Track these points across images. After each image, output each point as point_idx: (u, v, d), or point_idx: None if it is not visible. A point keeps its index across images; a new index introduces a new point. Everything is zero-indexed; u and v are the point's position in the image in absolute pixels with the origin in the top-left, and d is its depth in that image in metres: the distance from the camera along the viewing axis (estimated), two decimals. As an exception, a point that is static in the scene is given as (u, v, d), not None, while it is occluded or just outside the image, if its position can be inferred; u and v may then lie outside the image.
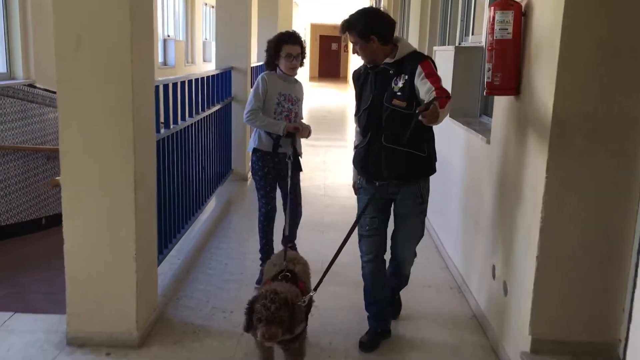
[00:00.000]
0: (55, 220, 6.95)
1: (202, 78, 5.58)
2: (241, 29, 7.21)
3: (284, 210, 3.94)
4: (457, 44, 5.44)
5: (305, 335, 2.76)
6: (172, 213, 4.29)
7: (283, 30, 4.38)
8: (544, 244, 2.74)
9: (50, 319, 3.40)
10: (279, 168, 3.98)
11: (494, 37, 3.02)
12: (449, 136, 4.53)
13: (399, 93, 3.01)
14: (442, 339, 3.40)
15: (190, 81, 5.03)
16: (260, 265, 4.05)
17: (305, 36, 22.78)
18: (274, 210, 4.09)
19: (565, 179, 2.69)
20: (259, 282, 3.92)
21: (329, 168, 8.24)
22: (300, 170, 4.11)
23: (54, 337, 3.20)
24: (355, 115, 3.29)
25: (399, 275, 3.44)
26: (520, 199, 3.00)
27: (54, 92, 7.30)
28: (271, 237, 4.10)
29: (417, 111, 2.68)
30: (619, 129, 2.64)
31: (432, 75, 2.93)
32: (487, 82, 3.13)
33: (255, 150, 4.00)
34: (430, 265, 4.49)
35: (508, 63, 3.04)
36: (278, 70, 3.99)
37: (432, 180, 3.26)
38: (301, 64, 4.02)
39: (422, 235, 3.33)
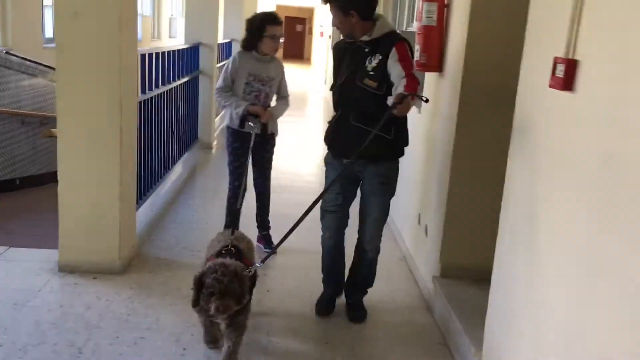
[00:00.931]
0: (29, 182, 7.43)
1: (174, 51, 6.12)
2: (211, 6, 7.74)
3: (254, 187, 4.26)
4: (403, 29, 6.10)
5: (249, 308, 2.76)
6: (148, 168, 4.86)
7: (248, 9, 4.75)
8: (452, 191, 3.44)
9: (42, 252, 3.95)
10: (248, 146, 3.93)
11: (422, 24, 3.69)
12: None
13: (371, 72, 3.02)
14: (379, 275, 4.07)
15: (163, 53, 5.58)
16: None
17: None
18: (240, 187, 4.00)
19: (470, 141, 3.38)
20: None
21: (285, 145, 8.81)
22: (270, 148, 4.20)
23: (47, 265, 3.76)
24: (330, 89, 3.33)
25: (363, 263, 3.40)
26: (438, 158, 3.69)
27: (30, 60, 7.73)
28: (237, 212, 4.01)
29: (391, 104, 2.79)
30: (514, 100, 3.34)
31: (405, 60, 2.97)
32: (416, 60, 3.80)
33: (227, 127, 4.18)
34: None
35: (433, 45, 3.71)
36: (254, 51, 4.01)
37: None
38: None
39: (384, 216, 3.30)
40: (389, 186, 3.25)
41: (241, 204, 3.91)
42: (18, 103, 7.56)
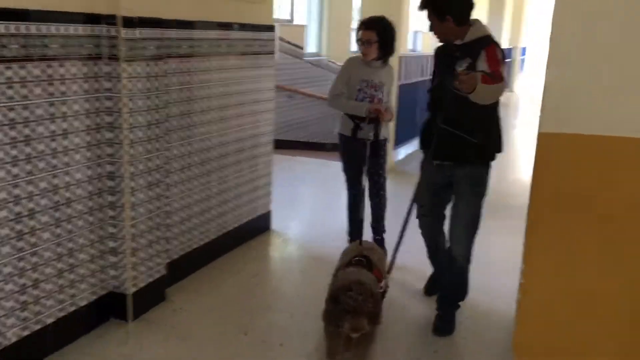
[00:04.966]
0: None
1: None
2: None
3: (369, 196, 4.08)
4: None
5: (379, 323, 2.69)
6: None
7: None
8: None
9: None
10: (361, 153, 3.81)
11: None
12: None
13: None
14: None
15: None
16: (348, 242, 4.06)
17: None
18: (358, 195, 3.99)
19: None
20: None
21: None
22: (383, 154, 4.05)
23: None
24: (427, 91, 3.32)
25: (452, 269, 3.27)
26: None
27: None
28: (359, 222, 3.90)
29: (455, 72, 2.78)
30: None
31: (493, 60, 2.93)
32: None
33: (339, 135, 4.06)
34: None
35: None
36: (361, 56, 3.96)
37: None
38: (383, 51, 3.89)
39: (474, 221, 3.18)
40: (478, 189, 3.15)
41: (362, 213, 3.81)
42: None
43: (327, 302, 2.51)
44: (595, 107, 2.25)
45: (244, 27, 4.09)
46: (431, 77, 3.31)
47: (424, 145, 3.26)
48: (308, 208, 5.75)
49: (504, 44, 13.99)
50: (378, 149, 3.96)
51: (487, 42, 3.01)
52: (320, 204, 5.83)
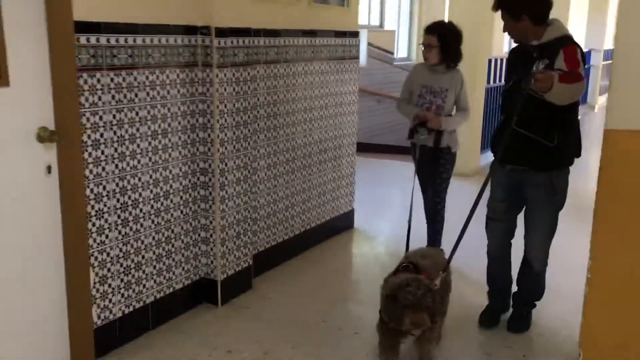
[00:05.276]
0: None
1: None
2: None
3: (424, 207, 4.09)
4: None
5: (441, 322, 2.71)
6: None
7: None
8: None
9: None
10: (423, 159, 3.90)
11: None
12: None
13: None
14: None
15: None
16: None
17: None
18: (426, 200, 4.10)
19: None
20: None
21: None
22: (444, 163, 3.94)
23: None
24: (502, 94, 3.29)
25: (528, 274, 3.27)
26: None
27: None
28: (407, 230, 3.71)
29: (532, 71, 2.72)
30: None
31: (571, 60, 2.83)
32: None
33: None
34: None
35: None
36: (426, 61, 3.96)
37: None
38: (445, 55, 3.84)
39: (549, 228, 3.11)
40: (556, 197, 3.05)
41: (410, 219, 3.70)
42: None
43: (385, 304, 2.52)
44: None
45: (328, 33, 4.33)
46: (505, 79, 3.26)
47: (495, 149, 3.19)
48: (390, 208, 5.88)
49: (608, 45, 13.27)
50: (438, 157, 3.92)
51: (567, 42, 2.91)
52: (403, 204, 5.95)
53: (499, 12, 3.01)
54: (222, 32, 3.25)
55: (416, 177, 4.03)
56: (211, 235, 3.45)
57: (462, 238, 2.77)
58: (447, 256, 2.90)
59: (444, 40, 3.82)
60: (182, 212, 3.33)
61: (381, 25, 10.01)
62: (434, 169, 3.96)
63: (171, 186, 3.23)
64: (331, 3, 4.44)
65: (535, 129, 2.89)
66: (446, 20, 4.46)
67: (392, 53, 9.80)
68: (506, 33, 3.07)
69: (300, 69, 4.13)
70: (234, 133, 3.44)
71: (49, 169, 2.62)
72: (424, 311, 2.40)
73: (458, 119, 3.94)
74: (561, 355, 3.05)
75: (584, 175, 5.21)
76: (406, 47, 10.75)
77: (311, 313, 3.50)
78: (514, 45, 3.27)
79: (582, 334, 2.61)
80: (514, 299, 3.41)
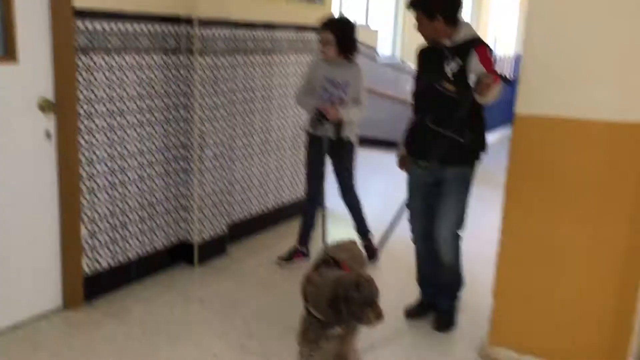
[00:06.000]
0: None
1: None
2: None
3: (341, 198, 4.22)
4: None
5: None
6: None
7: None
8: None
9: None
10: (321, 151, 3.95)
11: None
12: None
13: (450, 77, 3.01)
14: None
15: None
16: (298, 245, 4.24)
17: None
18: (314, 194, 4.12)
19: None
20: (282, 257, 4.18)
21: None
22: (345, 154, 4.05)
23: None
24: (411, 93, 3.31)
25: (440, 264, 3.29)
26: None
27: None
28: (310, 222, 4.20)
29: (473, 85, 2.84)
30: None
31: (486, 60, 2.95)
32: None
33: (305, 132, 4.14)
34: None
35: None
36: None
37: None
38: (343, 48, 3.84)
39: (458, 220, 3.21)
40: (465, 189, 3.19)
41: (312, 217, 4.10)
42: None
43: (328, 309, 2.52)
44: (564, 91, 2.67)
45: (301, 28, 4.76)
46: (416, 79, 3.26)
47: (410, 148, 3.28)
48: (365, 194, 6.31)
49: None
50: (339, 148, 3.98)
51: (477, 43, 3.02)
52: (376, 191, 6.42)
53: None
54: (203, 23, 3.70)
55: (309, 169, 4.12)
56: (190, 203, 3.90)
57: (388, 238, 3.15)
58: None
59: (339, 35, 3.82)
60: (164, 180, 3.77)
61: (366, 23, 10.43)
62: (337, 161, 4.06)
63: (155, 157, 3.67)
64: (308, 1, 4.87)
65: (449, 126, 2.99)
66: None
67: (375, 50, 10.19)
68: (419, 32, 3.13)
69: (277, 60, 4.57)
70: (212, 113, 3.88)
71: (47, 134, 3.06)
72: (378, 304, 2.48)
73: (356, 111, 3.90)
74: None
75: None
76: (390, 44, 11.21)
77: (279, 276, 3.95)
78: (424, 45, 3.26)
79: (495, 286, 3.01)
80: (437, 296, 3.44)
